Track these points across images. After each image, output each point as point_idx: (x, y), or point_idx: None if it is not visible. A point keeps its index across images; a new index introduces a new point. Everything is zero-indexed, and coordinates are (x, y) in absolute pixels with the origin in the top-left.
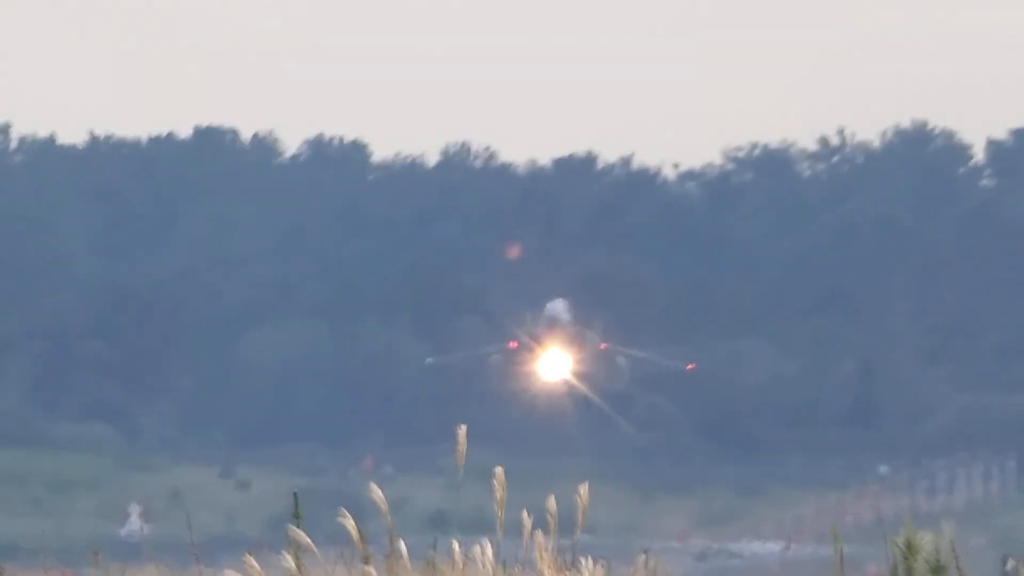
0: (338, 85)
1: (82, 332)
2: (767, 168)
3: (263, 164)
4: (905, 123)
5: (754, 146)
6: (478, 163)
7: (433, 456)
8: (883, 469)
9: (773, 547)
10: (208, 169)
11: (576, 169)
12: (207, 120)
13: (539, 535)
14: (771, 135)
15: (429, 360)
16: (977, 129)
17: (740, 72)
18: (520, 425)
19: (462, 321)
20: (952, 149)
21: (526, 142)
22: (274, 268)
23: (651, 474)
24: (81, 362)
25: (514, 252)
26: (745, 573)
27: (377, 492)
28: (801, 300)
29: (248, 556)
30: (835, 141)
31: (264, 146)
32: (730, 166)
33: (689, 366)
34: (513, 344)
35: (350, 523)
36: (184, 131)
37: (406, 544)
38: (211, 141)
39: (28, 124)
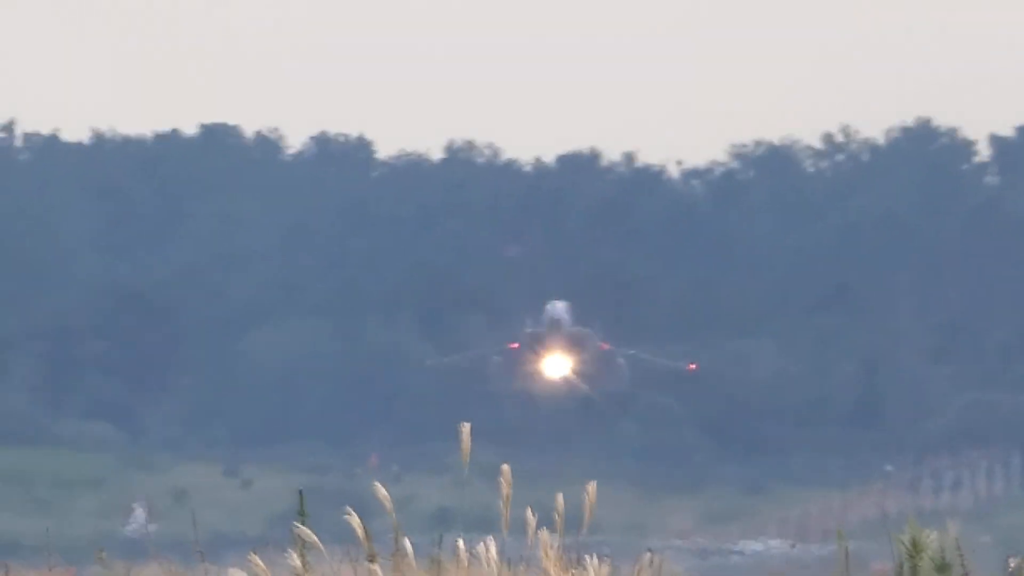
0: (342, 82)
1: (86, 330)
2: (771, 166)
3: (267, 161)
4: (909, 120)
5: (759, 144)
6: (482, 160)
7: (438, 454)
8: (888, 467)
9: (778, 545)
10: (212, 167)
11: (580, 167)
12: (211, 117)
13: (544, 533)
14: (775, 133)
15: (429, 362)
16: (981, 126)
17: (745, 70)
18: (524, 424)
19: (466, 319)
20: (956, 146)
21: (530, 139)
22: (278, 266)
23: (656, 473)
24: (85, 360)
25: (512, 252)
26: (750, 571)
27: (382, 490)
28: (806, 298)
29: (253, 554)
30: (840, 139)
31: (268, 143)
32: (735, 164)
33: (691, 366)
34: (513, 345)
35: (355, 521)
36: (188, 129)
37: (411, 542)
38: (215, 138)
39: (32, 121)
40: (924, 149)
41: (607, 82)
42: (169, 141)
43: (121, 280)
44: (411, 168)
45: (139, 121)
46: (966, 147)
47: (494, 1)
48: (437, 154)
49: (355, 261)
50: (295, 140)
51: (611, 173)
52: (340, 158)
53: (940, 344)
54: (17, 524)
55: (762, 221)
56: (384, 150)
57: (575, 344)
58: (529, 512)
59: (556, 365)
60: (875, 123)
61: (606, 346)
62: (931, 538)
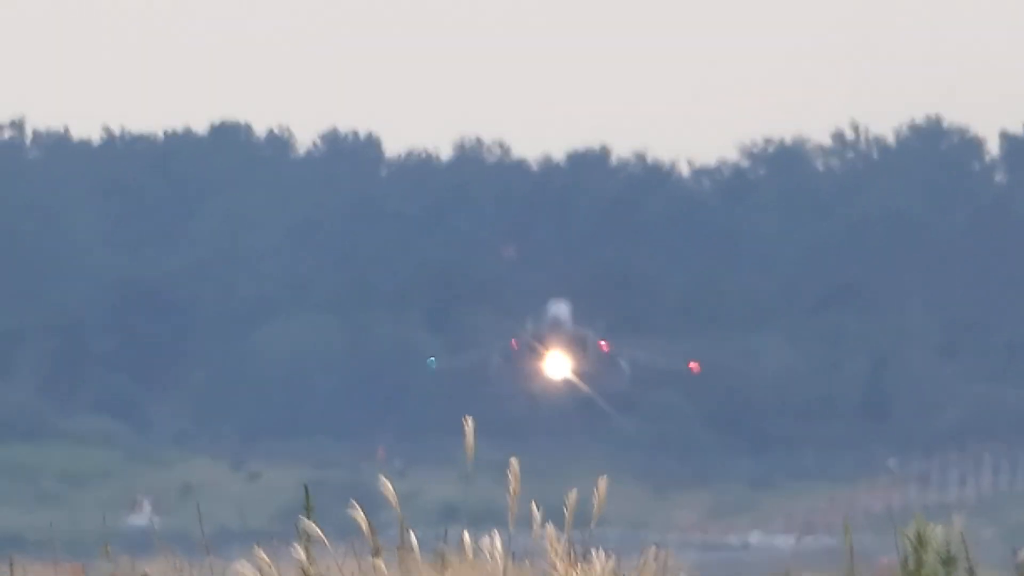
0: (351, 80)
1: (95, 326)
2: (781, 164)
3: (277, 159)
4: (919, 118)
5: (768, 142)
6: (491, 158)
7: (444, 449)
8: (893, 462)
9: (785, 539)
10: (222, 164)
11: (590, 164)
12: (221, 116)
13: (550, 528)
14: (785, 131)
15: (431, 360)
16: (991, 124)
17: (754, 68)
18: (530, 420)
19: (475, 316)
20: (966, 144)
21: (539, 137)
22: (287, 262)
23: (662, 468)
24: (94, 356)
25: (511, 254)
26: (757, 566)
27: (387, 485)
28: (814, 295)
29: (258, 548)
30: (849, 136)
31: (278, 141)
32: (744, 162)
33: (692, 365)
34: (514, 344)
35: (360, 515)
36: (199, 126)
37: (417, 536)
38: (225, 136)
39: (43, 119)
40: (934, 147)
41: (617, 80)
42: (180, 139)
43: (130, 276)
44: (420, 166)
45: (149, 119)
46: (976, 145)
47: None
48: (446, 152)
49: (363, 258)
50: (305, 138)
51: (621, 171)
52: (349, 156)
53: (947, 340)
54: (25, 518)
55: (771, 218)
56: (393, 148)
57: (576, 344)
58: (534, 506)
59: (557, 365)
60: (885, 121)
61: (606, 346)
62: (937, 532)
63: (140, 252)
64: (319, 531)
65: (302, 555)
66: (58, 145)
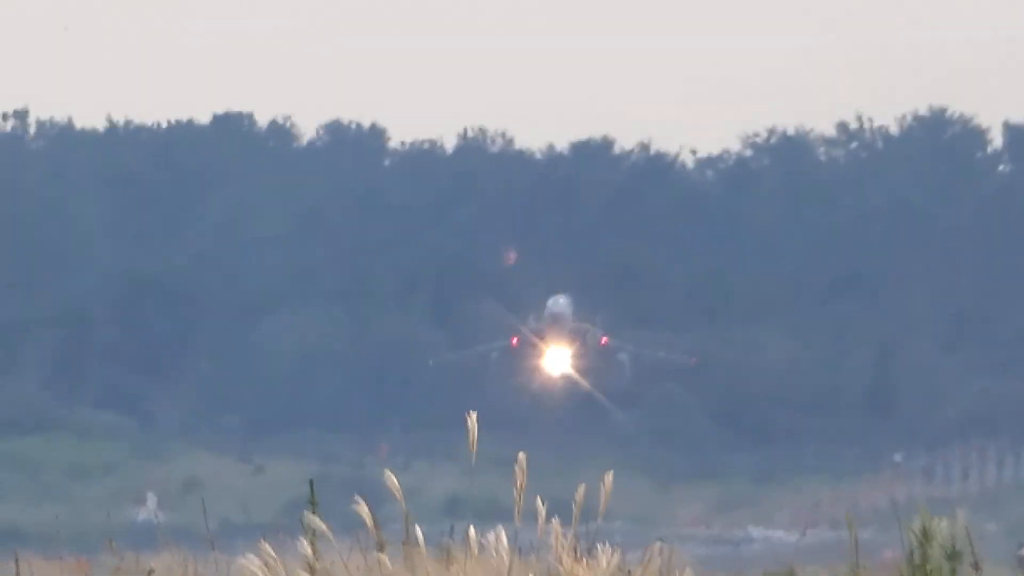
0: (355, 70)
1: (99, 318)
2: (785, 154)
3: (280, 150)
4: (923, 109)
5: (771, 132)
6: (495, 148)
7: (449, 443)
8: (898, 456)
9: (789, 534)
10: (226, 155)
11: (593, 154)
12: (225, 106)
13: (556, 523)
14: (788, 121)
15: (432, 361)
16: (995, 115)
17: (757, 58)
18: (533, 415)
19: (480, 307)
20: (970, 134)
21: (543, 128)
22: (291, 254)
23: (666, 462)
24: (98, 348)
25: (511, 257)
26: (760, 560)
27: (392, 479)
28: (818, 286)
29: (263, 542)
30: (853, 127)
31: (282, 131)
32: (748, 152)
33: (692, 360)
34: (514, 340)
35: (364, 510)
36: (202, 117)
37: (422, 531)
38: (229, 127)
39: (46, 109)
40: (938, 137)
41: (620, 71)
42: (183, 129)
43: (134, 268)
44: (424, 156)
45: (153, 109)
46: (980, 135)
47: None
48: (450, 142)
49: (368, 249)
50: (308, 128)
51: (624, 161)
52: (353, 146)
53: (953, 332)
54: (30, 512)
55: (775, 209)
56: (397, 138)
57: (576, 339)
58: (539, 501)
59: (557, 360)
60: (888, 111)
61: (606, 341)
62: (942, 526)
63: (143, 244)
64: (324, 526)
65: (308, 550)
66: (61, 135)
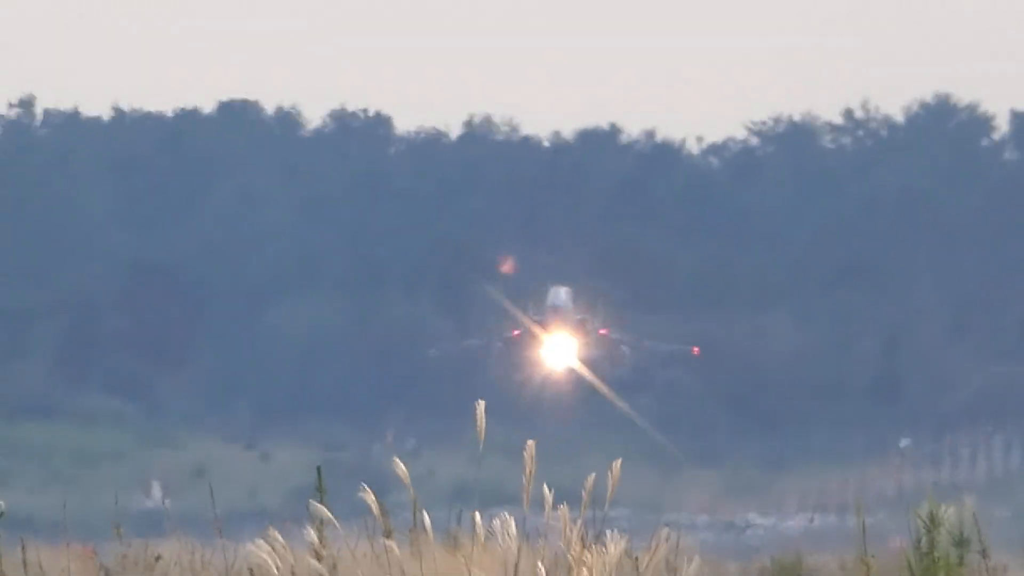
0: (360, 58)
1: (106, 306)
2: (791, 141)
3: (286, 137)
4: (928, 96)
5: (777, 119)
6: (501, 136)
7: (454, 431)
8: (904, 442)
9: (796, 520)
10: (232, 142)
11: (600, 142)
12: (231, 93)
13: (564, 509)
14: (795, 108)
15: (432, 352)
16: (1001, 102)
17: (764, 44)
18: (539, 405)
19: (486, 295)
20: (976, 122)
21: (549, 115)
22: (297, 242)
23: (673, 449)
24: (104, 335)
25: (509, 267)
26: (767, 546)
27: (400, 466)
28: (824, 273)
29: (272, 530)
30: (859, 114)
31: (288, 119)
32: (753, 139)
33: (694, 350)
34: (515, 332)
35: (371, 498)
36: (208, 104)
37: (430, 518)
38: (235, 114)
39: (52, 97)
40: (943, 125)
41: (627, 57)
42: (189, 117)
43: (141, 255)
44: (429, 143)
45: (160, 97)
46: (986, 122)
47: None
48: (455, 129)
49: (374, 236)
50: (314, 116)
51: (630, 149)
52: (359, 134)
53: (959, 319)
54: (36, 499)
55: (781, 196)
56: (402, 125)
57: (576, 329)
58: (546, 488)
59: (557, 351)
60: (894, 99)
61: (605, 332)
62: (949, 512)
63: (150, 231)
64: (331, 514)
65: (314, 537)
66: (67, 123)
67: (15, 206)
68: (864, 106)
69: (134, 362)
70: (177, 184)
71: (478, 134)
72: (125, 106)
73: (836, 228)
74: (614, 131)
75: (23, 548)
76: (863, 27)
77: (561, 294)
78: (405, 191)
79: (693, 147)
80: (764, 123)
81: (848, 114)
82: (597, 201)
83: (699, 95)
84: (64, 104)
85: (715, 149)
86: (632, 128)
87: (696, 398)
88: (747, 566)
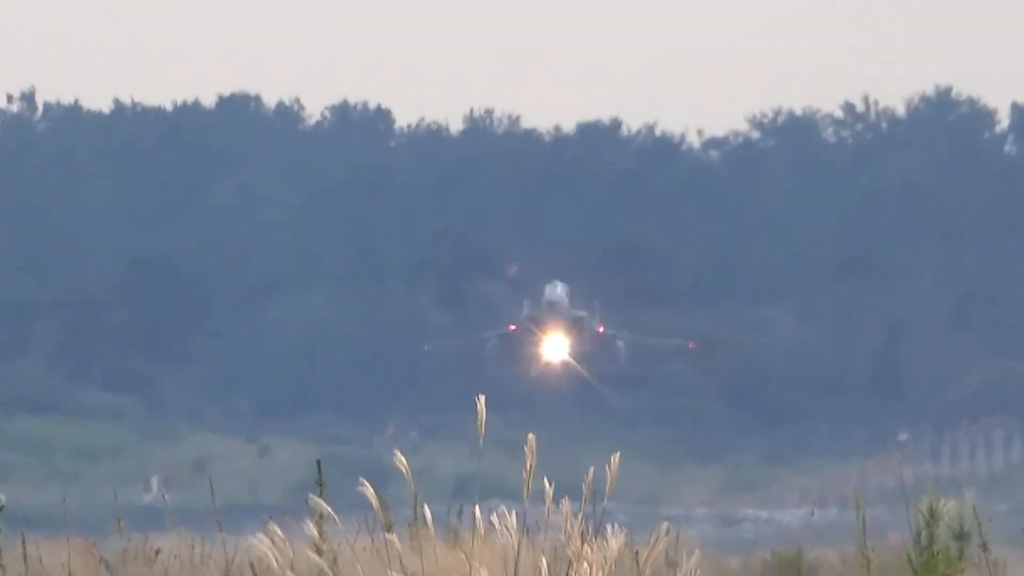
0: (361, 51)
1: (107, 300)
2: (792, 135)
3: (287, 131)
4: (929, 89)
5: (778, 112)
6: (502, 129)
7: (454, 425)
8: (904, 436)
9: (797, 514)
10: (233, 136)
11: (600, 135)
12: (232, 87)
13: (566, 503)
14: (796, 101)
15: (427, 347)
16: (1002, 95)
17: (765, 38)
18: (539, 400)
19: (487, 288)
20: (977, 115)
21: (550, 108)
22: (298, 235)
23: (675, 443)
24: (106, 330)
25: (512, 272)
26: (768, 540)
27: (401, 459)
28: (826, 267)
29: (272, 524)
30: (860, 108)
31: (288, 113)
32: (755, 133)
33: (691, 345)
34: (511, 328)
35: (370, 492)
36: (209, 98)
37: (431, 512)
38: (236, 108)
39: (53, 90)
40: (945, 118)
41: (627, 51)
42: (190, 110)
43: (142, 249)
44: (430, 137)
45: (160, 91)
46: (987, 116)
47: None
48: (456, 123)
49: (375, 230)
50: (315, 110)
51: (631, 142)
52: (359, 127)
53: (960, 313)
54: (37, 494)
55: (782, 190)
56: (403, 119)
57: (573, 326)
58: (546, 482)
59: (554, 347)
60: (896, 92)
61: (602, 329)
62: (949, 507)
63: (151, 225)
64: (330, 509)
65: (314, 531)
66: (68, 117)
67: (15, 201)
68: (865, 99)
69: (134, 357)
70: (178, 178)
71: (479, 128)
72: (126, 100)
73: (837, 222)
74: (615, 124)
75: (23, 542)
76: (864, 21)
77: (557, 290)
78: (406, 185)
79: (694, 140)
80: (765, 116)
81: (849, 107)
82: (598, 194)
83: (700, 88)
84: (65, 98)
85: (716, 142)
86: (633, 121)
87: (697, 393)
88: (748, 560)
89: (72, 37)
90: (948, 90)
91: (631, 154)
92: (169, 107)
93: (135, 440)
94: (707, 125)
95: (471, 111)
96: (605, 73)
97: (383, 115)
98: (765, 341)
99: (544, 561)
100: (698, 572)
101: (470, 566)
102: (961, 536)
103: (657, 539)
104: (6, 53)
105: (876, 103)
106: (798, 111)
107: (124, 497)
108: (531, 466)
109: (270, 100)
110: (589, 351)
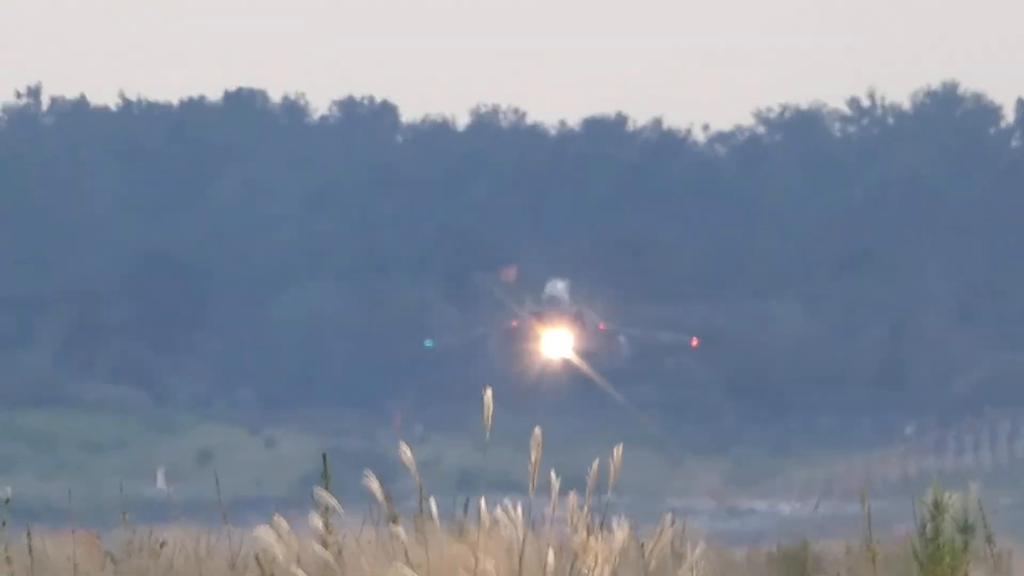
0: (367, 46)
1: (112, 294)
2: (797, 130)
3: (293, 126)
4: (935, 84)
5: (784, 108)
6: (507, 124)
7: (460, 418)
8: (909, 429)
9: (801, 506)
10: (238, 131)
11: (606, 130)
12: (237, 82)
13: (572, 496)
14: (801, 97)
15: (428, 343)
16: (1008, 91)
17: (770, 33)
18: (543, 394)
19: (492, 282)
20: (982, 110)
21: (556, 103)
22: (304, 229)
23: (680, 435)
24: (111, 323)
25: (510, 275)
26: (773, 533)
27: (406, 452)
28: (831, 261)
29: (277, 516)
30: (866, 103)
31: (294, 108)
32: (760, 128)
33: (694, 341)
34: (514, 323)
35: (374, 484)
36: (215, 93)
37: (436, 504)
38: (241, 103)
39: (59, 85)
40: (950, 113)
41: (633, 48)
42: (196, 105)
43: (147, 243)
44: (436, 132)
45: (166, 86)
46: (993, 111)
47: None
48: (462, 118)
49: (380, 225)
50: (320, 104)
51: (637, 137)
52: (365, 122)
53: (965, 306)
54: (42, 486)
55: (788, 185)
56: (409, 114)
57: (573, 322)
58: (552, 475)
59: (556, 343)
60: (901, 87)
61: (603, 326)
62: (954, 499)
63: (157, 219)
64: (336, 501)
65: (320, 524)
66: (74, 112)
67: (21, 195)
68: (871, 94)
69: (140, 350)
70: (183, 173)
71: (484, 123)
72: (132, 95)
73: (843, 216)
74: (620, 120)
75: (29, 535)
76: (870, 16)
77: (559, 287)
78: (411, 179)
79: (700, 136)
80: (771, 111)
81: (855, 103)
82: (603, 190)
83: (706, 83)
84: (71, 93)
85: (722, 137)
86: (639, 117)
87: (703, 386)
88: (753, 552)
89: (79, 33)
90: (954, 85)
91: (637, 149)
92: (175, 103)
93: (140, 432)
94: (713, 120)
95: (477, 106)
96: (610, 70)
97: (389, 110)
98: (770, 334)
99: (551, 553)
100: (703, 564)
101: (475, 559)
102: (966, 528)
103: (662, 531)
104: (12, 48)
105: (882, 98)
106: (804, 106)
107: (130, 489)
108: (536, 459)
109: (275, 95)
110: (591, 347)
